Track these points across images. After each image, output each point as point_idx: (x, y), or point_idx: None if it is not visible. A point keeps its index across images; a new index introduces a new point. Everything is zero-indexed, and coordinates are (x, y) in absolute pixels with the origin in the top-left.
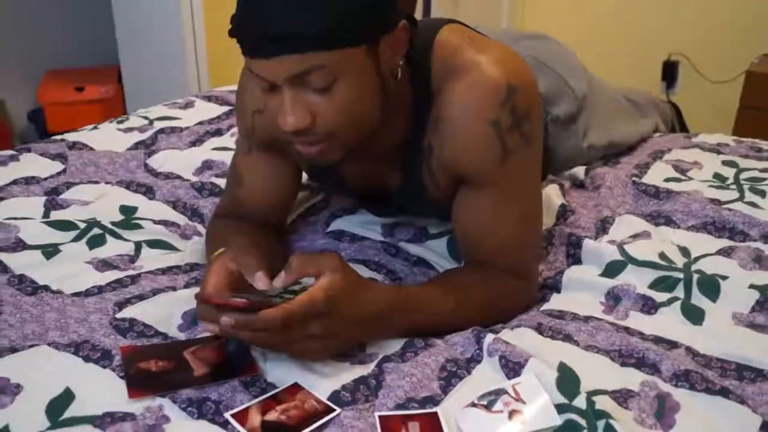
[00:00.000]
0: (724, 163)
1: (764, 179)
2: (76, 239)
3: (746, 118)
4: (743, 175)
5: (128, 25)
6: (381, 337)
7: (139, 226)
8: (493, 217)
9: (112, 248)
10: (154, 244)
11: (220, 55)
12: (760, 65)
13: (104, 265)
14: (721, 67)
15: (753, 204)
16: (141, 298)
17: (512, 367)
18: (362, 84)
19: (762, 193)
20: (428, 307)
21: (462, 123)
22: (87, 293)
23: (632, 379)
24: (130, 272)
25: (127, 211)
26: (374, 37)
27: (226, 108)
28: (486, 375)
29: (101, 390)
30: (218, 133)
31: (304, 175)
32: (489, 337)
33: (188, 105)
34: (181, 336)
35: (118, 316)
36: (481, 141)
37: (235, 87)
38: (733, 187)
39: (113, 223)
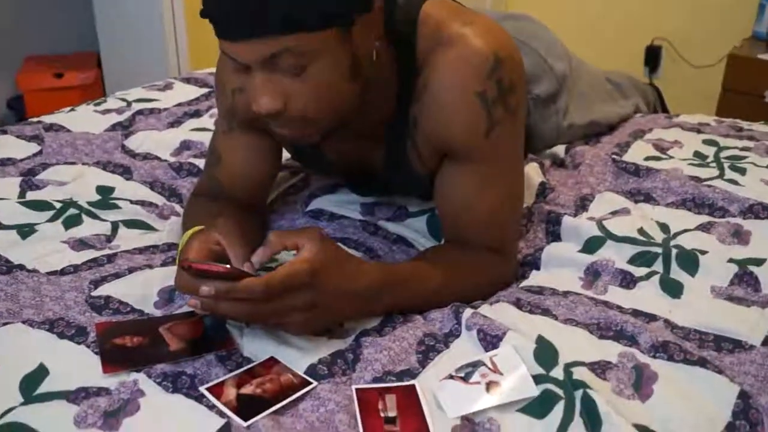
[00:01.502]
0: (705, 141)
1: (744, 157)
2: (52, 219)
3: (728, 101)
4: (723, 154)
5: (107, 11)
6: (364, 315)
7: (116, 206)
8: (476, 191)
9: (88, 228)
10: (131, 224)
11: (200, 39)
12: (742, 49)
13: (80, 244)
14: (703, 52)
15: (733, 181)
16: (117, 276)
17: (490, 340)
18: (335, 67)
19: (742, 171)
20: (414, 285)
21: (447, 94)
22: (62, 272)
23: (610, 350)
24: (107, 251)
25: (104, 191)
26: (347, 19)
27: (205, 90)
28: (464, 348)
29: (76, 366)
30: (197, 114)
31: (285, 155)
32: (467, 312)
33: (167, 87)
34: (158, 313)
35: (94, 293)
36: (466, 112)
37: (213, 69)
38: (714, 165)
39: (90, 203)
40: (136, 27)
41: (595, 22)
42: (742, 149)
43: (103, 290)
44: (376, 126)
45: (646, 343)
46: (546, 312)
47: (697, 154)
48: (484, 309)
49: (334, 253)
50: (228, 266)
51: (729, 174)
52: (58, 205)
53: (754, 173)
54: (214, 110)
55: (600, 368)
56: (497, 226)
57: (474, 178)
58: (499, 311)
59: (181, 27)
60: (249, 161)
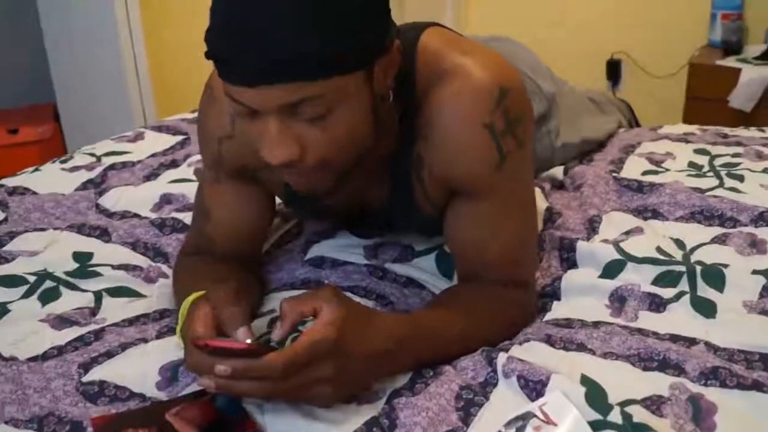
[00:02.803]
0: (696, 151)
1: (738, 164)
2: (27, 295)
3: (694, 108)
4: (717, 162)
5: (63, 60)
6: (393, 374)
7: (97, 274)
8: (490, 227)
9: (68, 302)
10: (116, 292)
11: (165, 84)
12: (700, 57)
13: (61, 321)
14: (662, 62)
15: (734, 189)
16: (109, 355)
17: (534, 386)
18: (357, 112)
19: (740, 178)
20: (440, 335)
21: (454, 129)
22: (45, 356)
23: (659, 383)
24: (93, 327)
25: (82, 258)
26: (372, 60)
27: (179, 137)
28: (507, 398)
29: None
30: (174, 164)
31: (277, 200)
32: (502, 357)
33: (138, 137)
34: (162, 396)
35: (85, 379)
36: (476, 146)
37: (185, 115)
38: (710, 174)
39: (67, 273)
40: (95, 75)
41: (555, 39)
42: (734, 156)
43: (96, 374)
44: (378, 164)
45: (695, 371)
46: (581, 347)
47: (692, 165)
48: (516, 351)
49: (355, 313)
50: (248, 342)
51: (728, 182)
52: (31, 279)
53: (752, 179)
54: (192, 159)
55: (654, 404)
56: (515, 260)
57: (488, 213)
58: (531, 351)
59: (144, 72)
60: (241, 213)
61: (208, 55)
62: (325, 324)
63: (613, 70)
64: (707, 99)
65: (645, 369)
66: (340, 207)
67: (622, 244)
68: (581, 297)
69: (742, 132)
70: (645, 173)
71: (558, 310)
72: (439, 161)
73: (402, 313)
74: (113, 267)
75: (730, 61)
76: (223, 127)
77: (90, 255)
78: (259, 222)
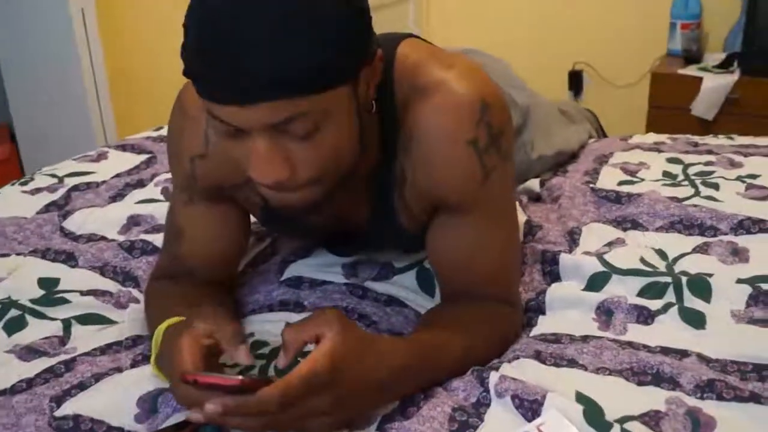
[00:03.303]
0: (669, 160)
1: (712, 172)
2: None
3: (656, 117)
4: (691, 171)
5: (18, 78)
6: (392, 401)
7: (65, 301)
8: (476, 243)
9: (35, 331)
10: (86, 319)
11: (125, 101)
12: (661, 66)
13: (29, 352)
14: (623, 72)
15: (711, 198)
16: (82, 387)
17: (529, 406)
18: (345, 125)
19: (716, 186)
20: (438, 358)
21: (437, 145)
22: (13, 390)
23: (655, 398)
24: (63, 357)
25: (48, 284)
26: (358, 71)
27: (144, 156)
28: (502, 419)
29: None
30: (140, 184)
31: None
32: (494, 376)
33: (101, 157)
34: (141, 428)
35: (58, 414)
36: (460, 162)
37: (149, 133)
38: (686, 183)
39: (33, 301)
40: (52, 94)
41: (516, 52)
42: (707, 164)
43: (69, 408)
44: (359, 180)
45: (690, 384)
46: (572, 363)
47: (667, 174)
48: (506, 369)
49: (355, 342)
50: (239, 377)
51: (704, 191)
52: None
53: (728, 187)
54: (159, 178)
55: (652, 420)
56: (501, 275)
57: (472, 229)
58: (522, 369)
59: (104, 90)
60: (215, 235)
61: (186, 73)
62: (324, 354)
63: (575, 80)
64: (670, 107)
65: (639, 383)
66: (319, 225)
67: (605, 256)
68: (567, 311)
69: (711, 140)
70: (621, 183)
71: (544, 325)
72: (422, 178)
73: (397, 336)
74: (81, 293)
75: (692, 70)
76: (196, 145)
77: (56, 281)
78: (235, 243)
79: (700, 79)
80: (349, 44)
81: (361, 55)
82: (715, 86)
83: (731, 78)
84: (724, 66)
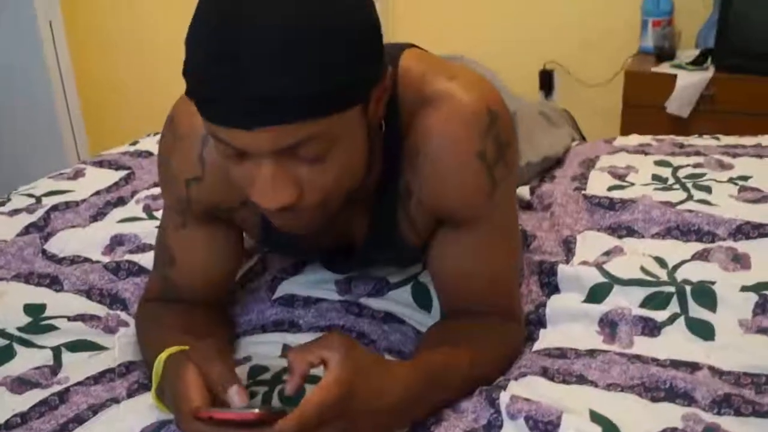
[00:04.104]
0: (657, 163)
1: (702, 175)
2: None
3: (631, 116)
4: (681, 173)
5: None
6: (404, 425)
7: (53, 327)
8: (481, 257)
9: (25, 361)
10: (76, 346)
11: (98, 117)
12: (634, 64)
13: (21, 384)
14: (594, 71)
15: (705, 201)
16: (79, 421)
17: (544, 427)
18: (355, 146)
19: (708, 189)
20: (447, 379)
21: (446, 159)
22: (8, 425)
23: (671, 415)
24: (56, 388)
25: (34, 310)
26: (369, 91)
27: (122, 173)
28: None
29: None
30: (121, 202)
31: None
32: (504, 396)
33: (78, 174)
34: None
35: None
36: (469, 176)
37: (126, 148)
38: (677, 186)
39: (20, 329)
40: (22, 110)
41: (485, 52)
42: (695, 166)
43: None
44: (360, 196)
45: (705, 399)
46: (582, 379)
47: (656, 177)
48: (514, 387)
49: (365, 366)
50: (255, 410)
51: (697, 194)
52: None
53: (720, 190)
54: (139, 195)
55: None
56: (505, 288)
57: (478, 243)
58: (531, 387)
59: (74, 102)
60: (209, 258)
61: (190, 94)
62: (335, 381)
63: (546, 80)
64: (644, 106)
65: (653, 400)
66: (319, 243)
67: (605, 266)
68: (569, 323)
69: (697, 141)
70: (611, 188)
71: (547, 339)
72: (429, 192)
73: (396, 354)
74: (69, 318)
75: (665, 68)
76: (190, 168)
77: (42, 307)
78: (228, 265)
79: (675, 76)
80: (361, 65)
81: (374, 74)
82: (689, 83)
83: (706, 75)
84: (698, 63)
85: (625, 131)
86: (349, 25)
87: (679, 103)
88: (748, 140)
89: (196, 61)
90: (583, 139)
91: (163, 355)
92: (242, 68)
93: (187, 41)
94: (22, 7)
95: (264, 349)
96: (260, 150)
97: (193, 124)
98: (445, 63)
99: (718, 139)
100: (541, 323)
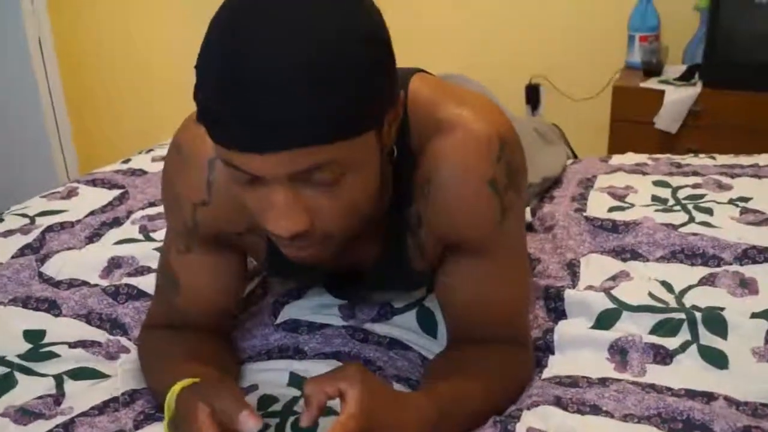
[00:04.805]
0: (656, 183)
1: (702, 196)
2: None
3: (619, 131)
4: (680, 194)
5: None
6: None
7: (54, 355)
8: (492, 283)
9: (27, 390)
10: (78, 374)
11: (86, 133)
12: (621, 79)
13: (24, 415)
14: (581, 86)
15: (706, 224)
16: None
17: None
18: (370, 171)
19: (709, 211)
20: (461, 410)
21: (457, 187)
22: None
23: None
24: (60, 419)
25: (33, 336)
26: (384, 115)
27: (116, 192)
28: None
29: None
30: (117, 222)
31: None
32: (520, 428)
33: (71, 193)
34: None
35: None
36: (480, 204)
37: (118, 166)
38: (678, 208)
39: (20, 356)
40: (10, 126)
41: (472, 66)
42: (694, 186)
43: None
44: (371, 224)
45: None
46: (596, 409)
47: (656, 198)
48: (528, 418)
49: (381, 400)
50: None
51: (699, 216)
52: None
53: (721, 212)
54: (135, 216)
55: None
56: (515, 315)
57: (488, 270)
58: (545, 418)
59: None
60: (215, 283)
61: (201, 118)
62: (353, 416)
63: (533, 94)
64: (632, 121)
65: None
66: (326, 269)
67: (613, 292)
68: (578, 350)
69: (693, 160)
70: (611, 210)
71: (556, 366)
72: (439, 219)
73: (403, 381)
74: (70, 345)
75: (653, 83)
76: (197, 192)
77: (42, 333)
78: (234, 290)
79: (662, 92)
80: (377, 89)
81: (388, 98)
82: (677, 99)
83: (694, 90)
84: (685, 78)
85: (614, 146)
86: (364, 48)
87: (667, 119)
88: (745, 159)
89: (207, 86)
90: (575, 155)
91: (176, 388)
92: (256, 92)
93: (198, 65)
94: (11, 24)
95: (270, 376)
96: (274, 175)
97: (199, 149)
98: (455, 88)
99: (714, 158)
100: (549, 349)
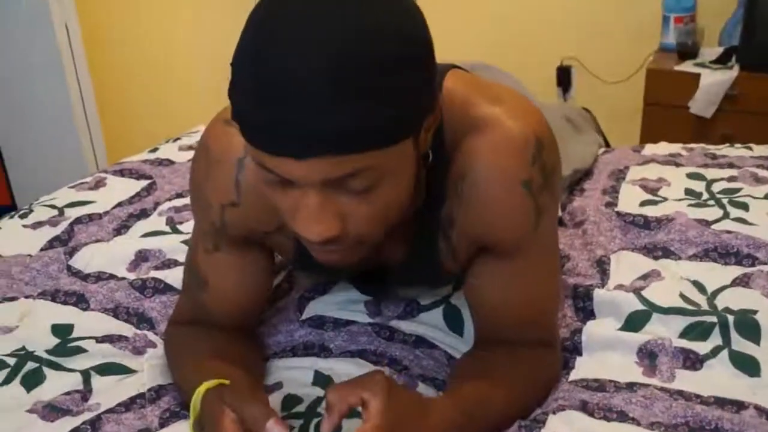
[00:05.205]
0: (690, 176)
1: (738, 190)
2: (7, 381)
3: (653, 115)
4: (715, 188)
5: (5, 104)
6: None
7: (81, 350)
8: (524, 286)
9: (55, 385)
10: (105, 369)
11: (115, 125)
12: (655, 62)
13: (53, 411)
14: (614, 68)
15: (741, 220)
16: None
17: None
18: (404, 178)
19: (745, 207)
20: (485, 414)
21: (491, 188)
22: None
23: None
24: (87, 415)
25: (62, 331)
26: (422, 122)
27: (143, 182)
28: None
29: None
30: (144, 214)
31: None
32: None
33: (99, 184)
34: None
35: None
36: (515, 206)
37: (146, 155)
38: (712, 202)
39: (49, 351)
40: (39, 112)
41: (502, 48)
42: (730, 180)
43: None
44: (400, 223)
45: None
46: (622, 416)
47: (690, 192)
48: (553, 422)
49: (404, 411)
50: None
51: (733, 212)
52: (11, 361)
53: (757, 207)
54: (162, 207)
55: None
56: (545, 317)
57: (521, 272)
58: (570, 423)
59: (90, 105)
60: (242, 282)
61: (236, 118)
62: (376, 427)
63: (564, 76)
64: (666, 105)
65: None
66: (354, 268)
67: (643, 292)
68: (606, 352)
69: (729, 151)
70: (643, 204)
71: (583, 368)
72: (472, 221)
73: (429, 381)
74: (97, 340)
75: (688, 66)
76: (225, 193)
77: (70, 327)
78: (261, 289)
79: (698, 75)
80: (417, 95)
81: (427, 105)
82: (713, 83)
83: (730, 74)
84: (722, 61)
85: (646, 130)
86: (406, 53)
87: (702, 104)
88: None
89: (244, 86)
90: (607, 143)
91: (201, 389)
92: (297, 97)
93: (235, 62)
94: (37, 10)
95: (295, 374)
96: (309, 180)
97: (227, 148)
98: (490, 85)
99: (750, 149)
100: (577, 350)
